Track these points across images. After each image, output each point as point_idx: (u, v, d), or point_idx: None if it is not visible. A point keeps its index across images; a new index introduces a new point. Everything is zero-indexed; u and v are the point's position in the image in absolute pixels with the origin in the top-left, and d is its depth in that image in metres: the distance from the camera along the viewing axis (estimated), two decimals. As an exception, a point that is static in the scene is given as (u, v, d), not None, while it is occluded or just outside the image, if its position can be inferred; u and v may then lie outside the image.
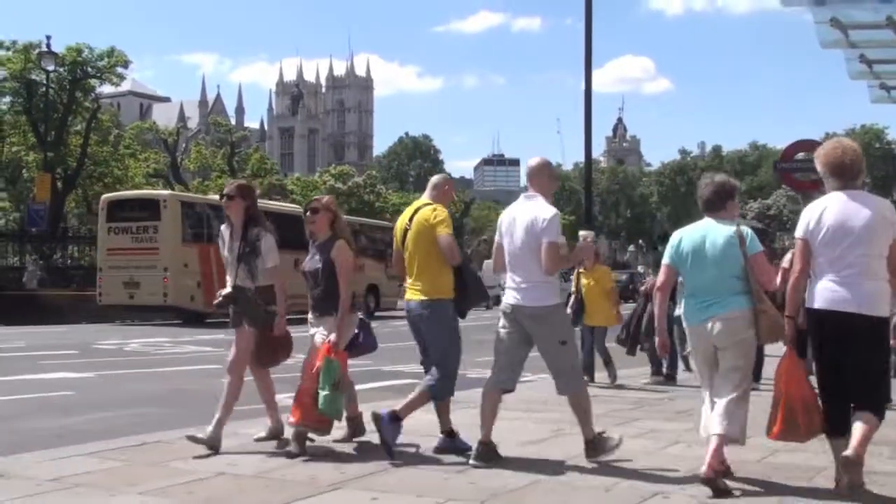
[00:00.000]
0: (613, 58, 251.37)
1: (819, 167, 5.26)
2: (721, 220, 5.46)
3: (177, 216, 24.85)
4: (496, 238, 6.19)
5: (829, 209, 5.03)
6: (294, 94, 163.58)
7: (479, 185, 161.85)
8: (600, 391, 10.28)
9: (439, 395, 6.46)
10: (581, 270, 11.31)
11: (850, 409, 4.94)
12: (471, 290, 6.33)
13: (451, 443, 6.44)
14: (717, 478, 5.10)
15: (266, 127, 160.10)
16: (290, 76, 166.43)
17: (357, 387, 11.39)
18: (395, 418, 6.27)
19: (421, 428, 7.54)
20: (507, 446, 6.71)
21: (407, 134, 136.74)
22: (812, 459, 6.02)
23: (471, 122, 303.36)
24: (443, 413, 6.52)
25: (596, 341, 11.44)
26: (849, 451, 4.73)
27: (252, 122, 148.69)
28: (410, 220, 6.32)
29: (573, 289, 11.57)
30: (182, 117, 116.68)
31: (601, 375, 11.55)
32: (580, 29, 14.32)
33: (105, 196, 28.19)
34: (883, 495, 5.19)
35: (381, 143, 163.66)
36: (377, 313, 32.86)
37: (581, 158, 12.59)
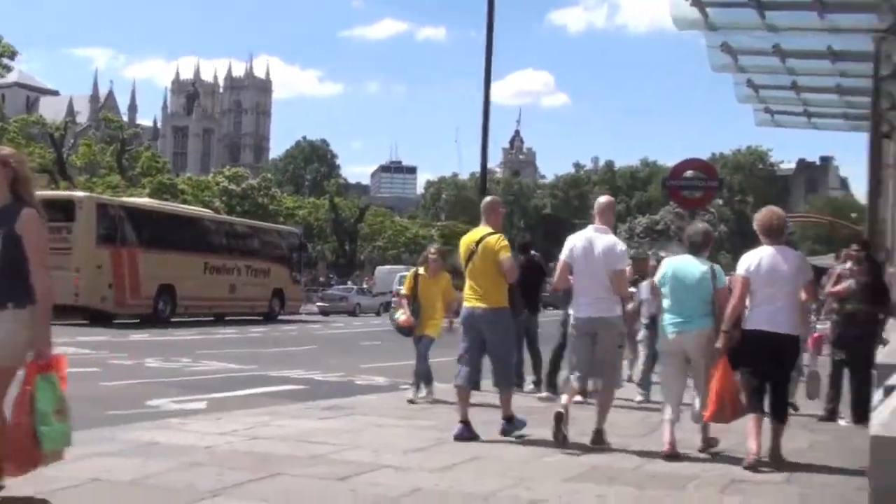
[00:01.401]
0: (514, 71, 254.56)
1: (755, 227, 7.03)
2: (700, 258, 7.18)
3: (91, 217, 24.80)
4: (565, 259, 7.56)
5: (763, 258, 6.77)
6: (190, 93, 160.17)
7: (375, 192, 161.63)
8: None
9: (505, 385, 7.79)
10: (421, 274, 10.43)
11: (764, 397, 6.70)
12: (516, 301, 8.11)
13: (510, 426, 7.67)
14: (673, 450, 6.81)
15: (160, 125, 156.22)
16: (186, 75, 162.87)
17: (241, 392, 11.32)
18: (465, 425, 7.60)
19: (303, 435, 7.50)
20: (391, 454, 6.72)
21: (304, 138, 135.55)
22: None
23: (370, 129, 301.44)
24: (504, 402, 7.73)
25: (419, 350, 10.33)
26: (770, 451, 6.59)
27: (145, 120, 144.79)
28: (477, 243, 7.66)
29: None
30: (71, 112, 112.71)
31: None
32: (484, 40, 14.51)
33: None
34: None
35: (278, 147, 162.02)
36: (282, 317, 32.59)
37: (478, 168, 12.73)
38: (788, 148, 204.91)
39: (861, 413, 8.36)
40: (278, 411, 9.00)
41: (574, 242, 7.56)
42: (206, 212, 36.63)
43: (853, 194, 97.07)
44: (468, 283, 7.77)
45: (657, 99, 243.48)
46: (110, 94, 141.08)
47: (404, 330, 10.43)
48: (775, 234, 6.88)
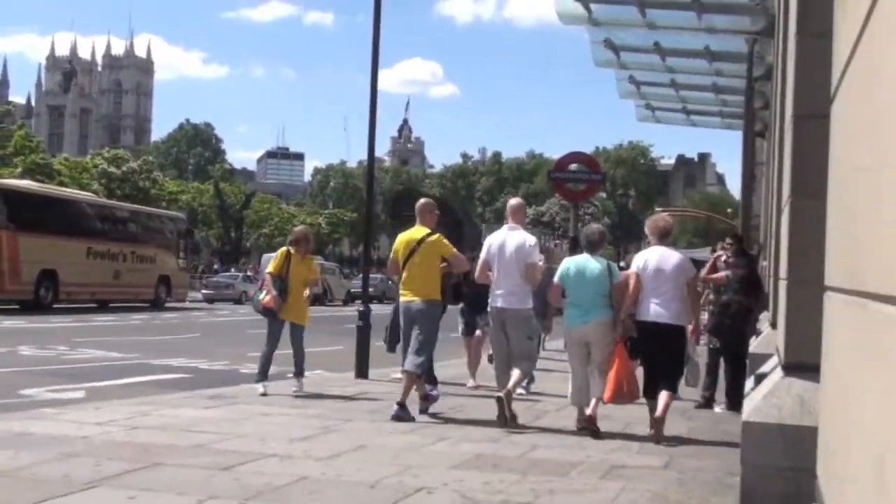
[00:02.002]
0: (403, 59, 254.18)
1: (646, 230, 8.18)
2: (596, 256, 7.93)
3: None
4: (484, 256, 8.34)
5: (651, 257, 7.74)
6: (66, 71, 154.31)
7: (261, 178, 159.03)
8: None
9: (419, 366, 8.29)
10: (293, 253, 10.03)
11: (659, 383, 7.56)
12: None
13: (426, 403, 8.42)
14: (594, 425, 7.50)
15: (34, 103, 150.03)
16: (62, 51, 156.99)
17: (122, 381, 10.99)
18: (402, 406, 8.07)
19: (181, 424, 7.35)
20: (277, 443, 6.66)
21: (188, 121, 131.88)
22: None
23: (256, 114, 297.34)
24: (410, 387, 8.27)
25: (293, 338, 9.97)
26: (658, 414, 7.41)
27: (18, 97, 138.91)
28: (419, 242, 8.39)
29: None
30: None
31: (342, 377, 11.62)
32: (371, 27, 14.41)
33: None
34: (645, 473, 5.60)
35: (161, 129, 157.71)
36: (169, 304, 31.84)
37: (366, 156, 12.66)
38: (669, 144, 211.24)
39: (735, 400, 8.72)
40: (160, 400, 8.79)
41: (491, 241, 8.40)
42: (89, 195, 35.42)
43: (729, 190, 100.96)
44: (406, 277, 8.45)
45: (544, 92, 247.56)
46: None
47: (269, 311, 9.85)
48: (663, 236, 7.89)
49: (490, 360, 9.48)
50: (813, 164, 4.59)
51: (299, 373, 9.87)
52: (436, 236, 8.49)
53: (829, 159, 2.16)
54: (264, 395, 9.37)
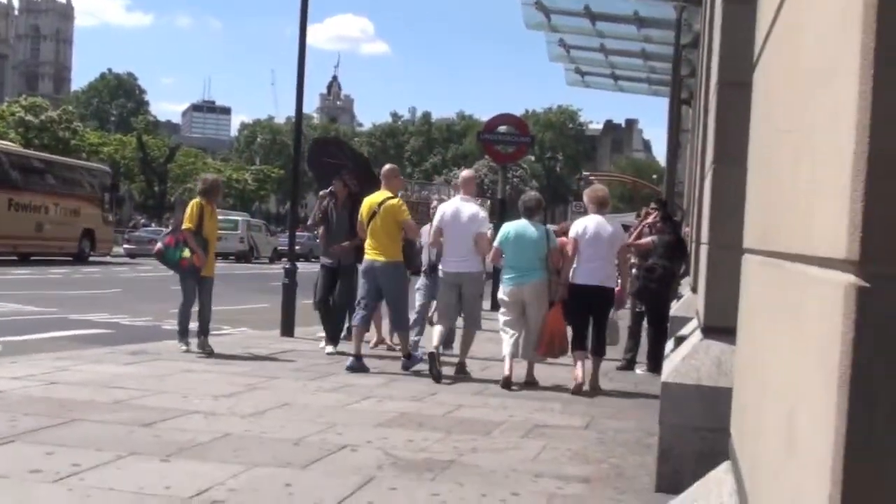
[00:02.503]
0: (334, 14, 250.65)
1: (585, 199, 9.06)
2: (533, 222, 8.46)
3: None
4: (437, 223, 8.82)
5: (590, 224, 8.32)
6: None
7: (186, 131, 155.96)
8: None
9: (402, 327, 9.16)
10: (205, 206, 9.51)
11: (586, 337, 8.36)
12: (411, 256, 9.62)
13: (409, 361, 8.93)
14: (532, 382, 8.30)
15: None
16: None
17: (40, 335, 10.76)
18: (358, 358, 8.73)
19: (102, 380, 7.24)
20: (201, 400, 6.60)
21: (110, 70, 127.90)
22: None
23: (182, 65, 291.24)
24: (402, 341, 9.15)
25: (203, 294, 9.52)
26: (591, 376, 8.21)
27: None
28: (380, 205, 8.85)
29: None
30: None
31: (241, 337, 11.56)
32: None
33: None
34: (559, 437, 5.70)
35: (81, 78, 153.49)
36: (92, 258, 31.13)
37: (294, 112, 12.46)
38: (597, 109, 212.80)
39: (657, 362, 8.92)
40: (79, 356, 8.63)
41: (444, 210, 8.87)
42: (10, 145, 34.28)
43: (655, 156, 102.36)
44: (369, 239, 8.91)
45: (475, 54, 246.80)
46: None
47: (191, 269, 9.29)
48: (601, 205, 8.54)
49: (431, 322, 9.73)
50: (735, 130, 4.67)
51: (204, 332, 9.41)
52: (395, 200, 9.02)
53: (750, 124, 2.21)
54: (187, 352, 9.22)
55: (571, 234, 8.47)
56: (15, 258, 27.80)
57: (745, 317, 2.17)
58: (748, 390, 1.89)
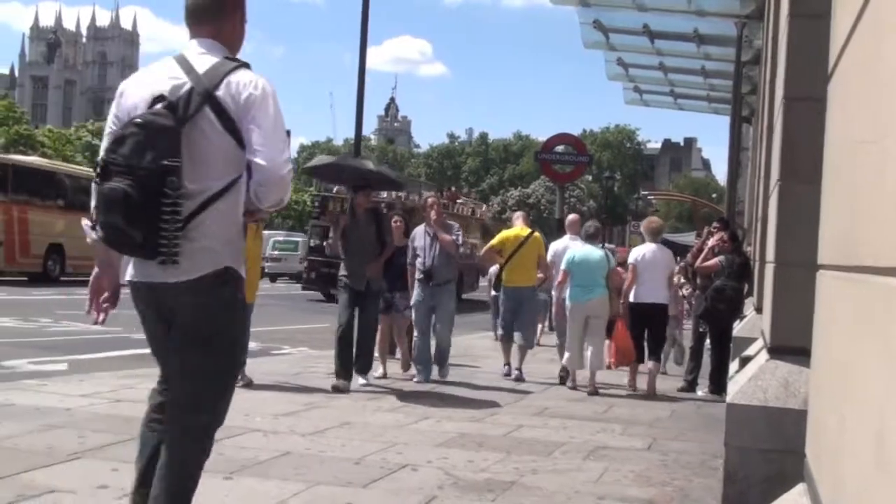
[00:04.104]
0: (392, 37, 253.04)
1: (642, 229, 10.61)
2: (595, 245, 9.96)
3: None
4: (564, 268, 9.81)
5: (647, 252, 9.76)
6: (51, 42, 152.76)
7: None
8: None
9: (530, 346, 10.62)
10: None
11: (644, 348, 9.64)
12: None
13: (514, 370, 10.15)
14: (595, 391, 9.26)
15: (17, 74, 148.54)
16: (47, 21, 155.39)
17: (106, 353, 10.93)
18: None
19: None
20: (262, 418, 6.65)
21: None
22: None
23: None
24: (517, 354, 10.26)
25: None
26: (649, 379, 9.49)
27: (1, 68, 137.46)
28: (527, 238, 10.32)
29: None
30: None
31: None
32: (360, 3, 14.32)
33: None
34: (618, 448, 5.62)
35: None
36: (63, 278, 26.11)
37: (353, 134, 12.50)
38: (655, 128, 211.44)
39: (719, 384, 8.76)
40: (144, 374, 8.72)
41: (556, 248, 10.95)
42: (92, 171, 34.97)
43: (714, 175, 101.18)
44: (516, 267, 10.18)
45: (532, 73, 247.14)
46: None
47: None
48: (655, 235, 10.03)
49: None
50: (802, 146, 4.59)
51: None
52: (538, 235, 10.63)
53: (824, 138, 2.16)
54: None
55: (630, 260, 9.93)
56: (86, 279, 28.23)
57: (821, 335, 2.11)
58: (829, 409, 1.83)
